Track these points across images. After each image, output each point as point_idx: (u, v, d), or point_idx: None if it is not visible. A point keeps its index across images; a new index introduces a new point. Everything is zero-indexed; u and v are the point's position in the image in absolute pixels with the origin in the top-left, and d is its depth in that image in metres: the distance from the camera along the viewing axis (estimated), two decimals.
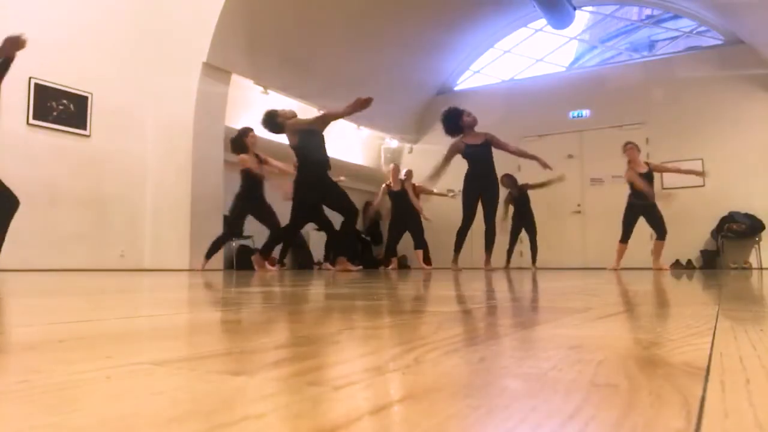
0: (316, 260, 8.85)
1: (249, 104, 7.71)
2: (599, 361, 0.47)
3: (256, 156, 5.95)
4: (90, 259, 5.87)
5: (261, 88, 7.53)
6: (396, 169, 7.79)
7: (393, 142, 10.57)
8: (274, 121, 5.24)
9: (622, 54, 12.48)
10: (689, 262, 8.23)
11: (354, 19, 8.05)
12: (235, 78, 6.94)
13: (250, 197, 5.93)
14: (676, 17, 10.05)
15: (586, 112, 9.34)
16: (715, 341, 0.58)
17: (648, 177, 6.40)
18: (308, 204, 5.25)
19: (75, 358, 0.49)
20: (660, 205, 6.56)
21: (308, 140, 5.10)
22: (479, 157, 5.78)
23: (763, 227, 7.80)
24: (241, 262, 7.56)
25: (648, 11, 11.90)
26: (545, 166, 5.81)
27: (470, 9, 9.23)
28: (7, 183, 5.42)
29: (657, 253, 6.62)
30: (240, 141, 5.88)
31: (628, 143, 6.61)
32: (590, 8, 10.53)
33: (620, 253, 6.67)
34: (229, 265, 7.24)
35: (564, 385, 0.38)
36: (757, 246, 7.88)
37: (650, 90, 8.76)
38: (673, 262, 8.18)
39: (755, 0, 6.93)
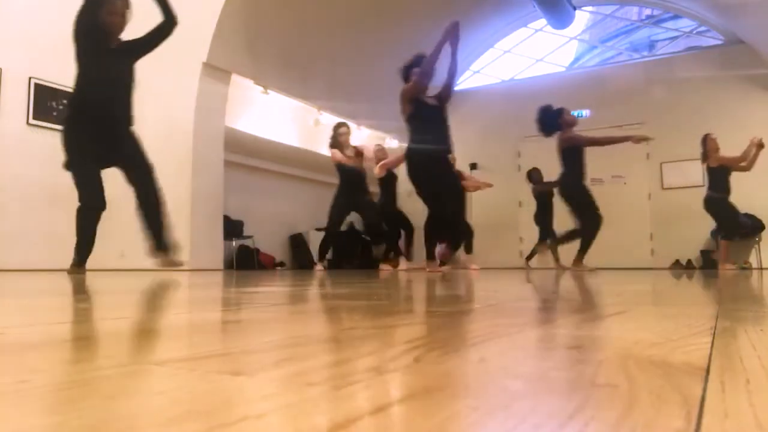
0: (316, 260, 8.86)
1: (249, 104, 7.71)
2: (599, 361, 0.47)
3: (354, 149, 6.08)
4: (90, 259, 5.87)
5: (261, 88, 7.54)
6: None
7: (393, 142, 10.57)
8: (407, 71, 4.87)
9: (622, 54, 12.49)
10: (689, 262, 8.23)
11: (354, 19, 8.05)
12: (235, 78, 6.94)
13: (346, 192, 5.98)
14: (676, 17, 10.05)
15: (586, 112, 9.34)
16: (715, 341, 0.58)
17: (724, 171, 6.44)
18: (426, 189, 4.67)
19: (75, 358, 0.49)
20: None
21: (422, 110, 4.69)
22: (582, 158, 5.70)
23: (763, 227, 7.79)
24: (241, 262, 7.56)
25: (648, 11, 11.91)
26: (642, 138, 5.63)
27: (470, 9, 9.22)
28: (7, 183, 5.43)
29: (723, 253, 6.51)
30: (333, 136, 6.15)
31: (710, 134, 6.58)
32: (590, 8, 10.53)
33: (726, 251, 6.55)
34: (229, 265, 7.23)
35: (564, 385, 0.38)
36: (757, 246, 7.88)
37: (650, 90, 8.76)
38: (673, 262, 8.19)
39: (755, 0, 6.94)
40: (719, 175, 6.49)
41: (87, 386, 0.37)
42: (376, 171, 6.48)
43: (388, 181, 6.73)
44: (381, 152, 6.86)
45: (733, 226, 6.55)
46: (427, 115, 4.68)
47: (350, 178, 6.05)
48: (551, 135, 5.74)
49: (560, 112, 5.68)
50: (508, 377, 0.41)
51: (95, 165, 3.69)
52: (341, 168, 6.05)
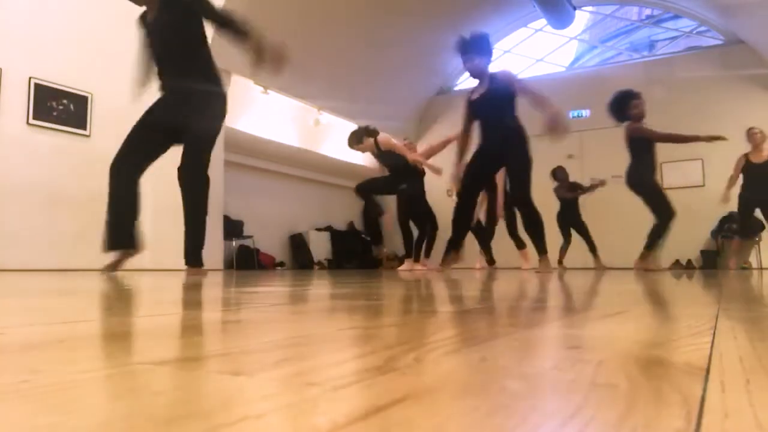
0: (316, 260, 8.85)
1: (249, 104, 7.71)
2: (599, 361, 0.47)
3: (375, 144, 6.22)
4: (90, 259, 5.87)
5: (261, 88, 7.54)
6: None
7: None
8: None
9: (622, 54, 12.49)
10: (689, 262, 8.23)
11: (354, 19, 8.05)
12: (235, 78, 6.94)
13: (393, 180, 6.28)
14: (676, 17, 10.06)
15: (586, 112, 9.35)
16: (715, 341, 0.58)
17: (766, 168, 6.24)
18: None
19: (75, 358, 0.49)
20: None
21: (471, 110, 4.49)
22: (651, 150, 5.53)
23: (763, 227, 7.80)
24: (241, 262, 7.57)
25: (648, 11, 11.91)
26: (714, 138, 5.39)
27: (470, 9, 9.23)
28: (7, 183, 5.44)
29: (734, 252, 6.40)
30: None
31: (752, 128, 6.41)
32: (590, 8, 10.54)
33: (738, 251, 6.44)
34: (229, 265, 7.24)
35: (564, 385, 0.38)
36: (757, 246, 7.88)
37: (650, 90, 8.75)
38: (674, 262, 8.18)
39: (755, 0, 6.94)
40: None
41: (87, 386, 0.37)
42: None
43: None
44: (409, 146, 6.85)
45: (741, 227, 6.49)
46: (474, 111, 4.49)
47: (392, 169, 6.27)
48: (622, 123, 5.63)
49: (629, 103, 5.48)
50: (508, 377, 0.41)
51: (159, 137, 3.38)
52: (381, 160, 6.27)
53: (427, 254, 6.75)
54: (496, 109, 4.34)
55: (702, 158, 8.24)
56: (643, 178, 5.51)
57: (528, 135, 4.43)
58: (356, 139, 6.19)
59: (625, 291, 1.76)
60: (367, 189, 6.26)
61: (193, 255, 3.46)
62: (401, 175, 6.18)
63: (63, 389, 0.36)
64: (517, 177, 4.48)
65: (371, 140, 6.17)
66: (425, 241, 6.80)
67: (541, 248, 4.45)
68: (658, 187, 5.60)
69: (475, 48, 4.35)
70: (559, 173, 7.63)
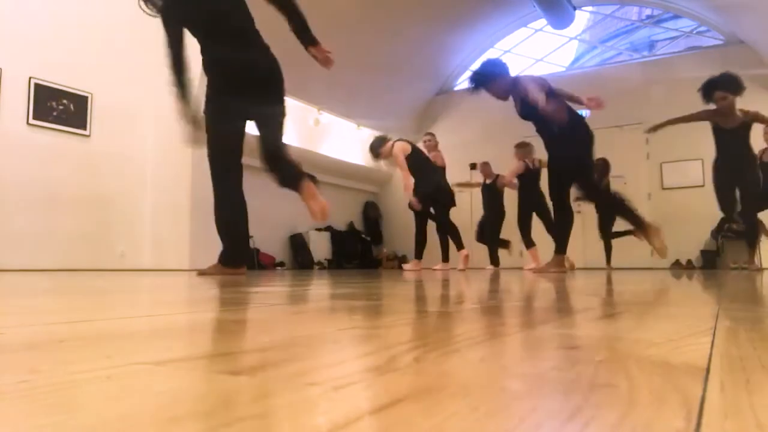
0: (317, 260, 8.86)
1: None
2: (599, 361, 0.48)
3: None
4: (90, 259, 5.87)
5: None
6: (488, 165, 7.69)
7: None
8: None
9: (622, 54, 12.49)
10: (689, 262, 8.23)
11: (353, 20, 8.05)
12: None
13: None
14: (676, 17, 10.06)
15: (586, 113, 9.33)
16: (715, 341, 0.58)
17: None
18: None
19: (75, 358, 0.49)
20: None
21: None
22: (731, 145, 5.28)
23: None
24: None
25: (648, 11, 11.92)
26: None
27: (470, 9, 9.23)
28: (7, 183, 5.44)
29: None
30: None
31: None
32: (590, 8, 10.54)
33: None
34: None
35: (564, 385, 0.38)
36: (757, 246, 7.87)
37: (650, 90, 8.76)
38: (673, 262, 8.18)
39: (755, 0, 6.94)
40: None
41: (87, 386, 0.37)
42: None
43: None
44: (429, 143, 6.83)
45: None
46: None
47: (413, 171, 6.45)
48: (706, 102, 5.48)
49: (713, 93, 5.32)
50: (508, 377, 0.41)
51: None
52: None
53: (445, 257, 6.70)
54: (536, 119, 4.58)
55: (702, 158, 8.23)
56: (716, 173, 5.46)
57: (583, 135, 4.67)
58: (375, 153, 6.37)
59: (625, 291, 1.76)
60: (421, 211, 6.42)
61: (222, 254, 3.42)
62: (420, 176, 6.31)
63: (63, 389, 0.36)
64: (550, 176, 4.68)
65: (389, 145, 6.27)
66: (440, 242, 6.76)
67: (561, 246, 4.48)
68: (717, 183, 5.52)
69: (483, 79, 4.73)
70: (599, 165, 7.61)
